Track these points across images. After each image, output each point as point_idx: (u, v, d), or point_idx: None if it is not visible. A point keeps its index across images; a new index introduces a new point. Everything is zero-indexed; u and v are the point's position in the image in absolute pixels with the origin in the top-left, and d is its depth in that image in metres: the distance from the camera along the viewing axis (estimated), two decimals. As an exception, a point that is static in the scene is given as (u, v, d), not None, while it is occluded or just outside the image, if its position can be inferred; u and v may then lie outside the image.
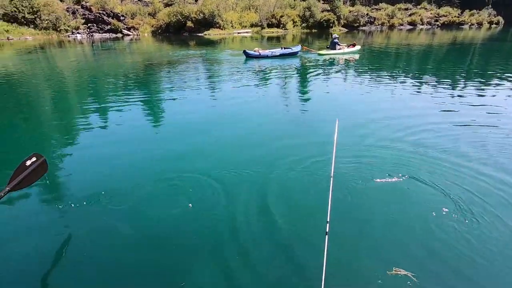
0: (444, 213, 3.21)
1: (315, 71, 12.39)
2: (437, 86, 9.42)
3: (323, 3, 48.33)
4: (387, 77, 10.90)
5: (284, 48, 15.83)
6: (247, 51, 15.07)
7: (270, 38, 30.60)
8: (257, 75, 11.64)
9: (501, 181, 3.80)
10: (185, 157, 4.73)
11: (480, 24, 51.31)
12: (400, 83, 9.98)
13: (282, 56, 15.46)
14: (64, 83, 10.89)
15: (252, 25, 37.48)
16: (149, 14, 37.26)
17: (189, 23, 33.53)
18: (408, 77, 10.99)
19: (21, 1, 30.42)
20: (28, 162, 2.79)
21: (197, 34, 33.13)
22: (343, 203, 3.39)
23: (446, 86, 9.37)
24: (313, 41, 27.01)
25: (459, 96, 8.21)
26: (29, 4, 30.63)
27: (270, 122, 6.37)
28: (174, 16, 33.75)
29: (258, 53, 15.07)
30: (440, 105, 7.33)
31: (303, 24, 39.82)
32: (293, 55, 15.69)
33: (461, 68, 12.92)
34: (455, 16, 51.51)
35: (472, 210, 3.23)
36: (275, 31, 36.75)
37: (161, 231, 3.07)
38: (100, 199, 3.52)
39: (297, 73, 12.00)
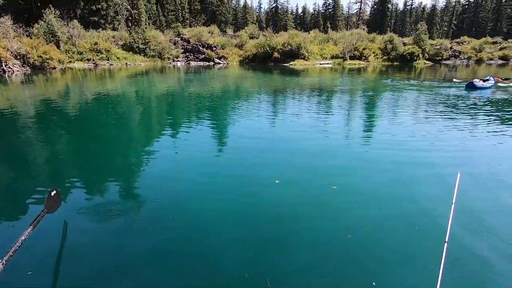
0: None
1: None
2: None
3: (398, 37, 47.97)
4: None
5: (483, 81, 14.55)
6: (473, 82, 13.82)
7: (351, 70, 31.15)
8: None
9: None
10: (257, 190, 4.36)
11: None
12: None
13: (482, 88, 14.08)
14: (151, 104, 12.30)
15: (332, 57, 38.71)
16: (235, 45, 41.16)
17: (275, 54, 36.06)
18: None
19: (137, 34, 36.47)
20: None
21: (282, 64, 35.32)
22: (458, 278, 2.77)
23: None
24: (393, 73, 26.70)
25: None
26: (143, 36, 36.53)
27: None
28: (262, 48, 36.68)
29: (482, 85, 13.88)
30: None
31: (384, 57, 39.80)
32: (490, 88, 14.57)
33: None
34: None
35: None
36: (357, 63, 37.36)
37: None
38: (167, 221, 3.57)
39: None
